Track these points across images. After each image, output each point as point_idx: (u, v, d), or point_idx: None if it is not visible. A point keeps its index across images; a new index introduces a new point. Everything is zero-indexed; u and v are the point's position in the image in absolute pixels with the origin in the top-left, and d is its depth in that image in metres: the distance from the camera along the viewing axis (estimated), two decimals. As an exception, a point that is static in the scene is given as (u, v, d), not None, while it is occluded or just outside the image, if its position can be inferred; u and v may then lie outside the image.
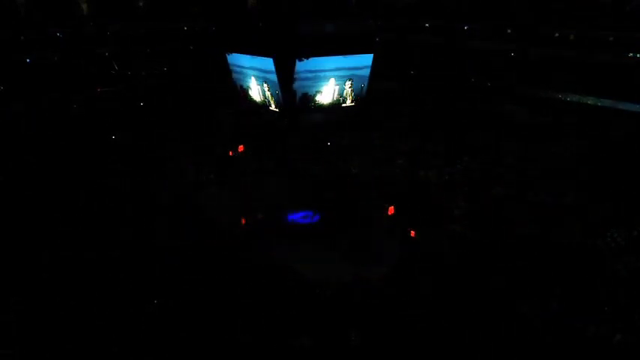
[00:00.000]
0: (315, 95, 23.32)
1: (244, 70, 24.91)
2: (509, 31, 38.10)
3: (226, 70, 26.60)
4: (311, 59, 21.91)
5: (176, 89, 44.40)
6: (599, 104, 31.86)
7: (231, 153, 37.53)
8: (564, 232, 24.68)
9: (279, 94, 22.82)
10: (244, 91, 25.96)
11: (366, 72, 24.20)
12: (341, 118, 26.67)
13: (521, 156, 31.78)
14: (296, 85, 22.14)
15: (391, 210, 28.49)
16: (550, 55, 35.59)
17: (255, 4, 51.25)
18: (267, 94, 23.93)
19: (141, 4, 49.13)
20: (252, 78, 24.43)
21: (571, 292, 19.38)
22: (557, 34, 35.26)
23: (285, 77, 22.15)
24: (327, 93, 23.59)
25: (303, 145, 40.14)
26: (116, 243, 23.29)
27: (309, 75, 22.10)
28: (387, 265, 23.89)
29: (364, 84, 24.63)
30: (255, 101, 25.47)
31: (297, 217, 30.40)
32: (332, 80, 23.31)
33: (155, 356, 15.47)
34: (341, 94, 23.84)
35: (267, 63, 22.45)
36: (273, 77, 22.55)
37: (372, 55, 24.17)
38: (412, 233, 26.01)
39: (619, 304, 18.48)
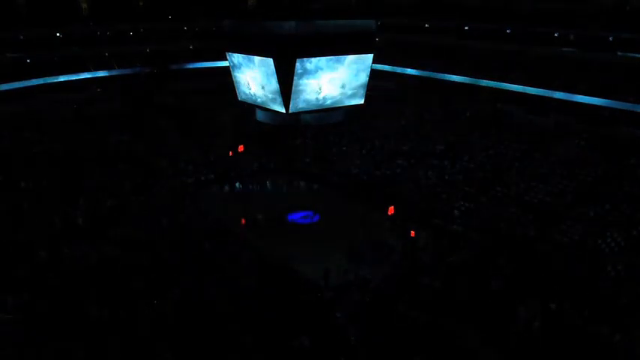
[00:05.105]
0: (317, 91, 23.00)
1: (244, 69, 24.87)
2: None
3: (227, 70, 26.59)
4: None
5: (176, 89, 44.36)
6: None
7: (231, 153, 37.56)
8: (564, 232, 24.71)
9: (280, 93, 22.74)
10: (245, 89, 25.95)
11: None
12: (341, 117, 26.57)
13: (521, 155, 31.75)
14: (298, 79, 21.97)
15: (391, 210, 28.49)
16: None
17: (255, 3, 51.37)
18: (268, 93, 23.87)
19: (141, 3, 49.13)
20: (253, 77, 24.39)
21: (571, 292, 19.38)
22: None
23: (285, 76, 22.08)
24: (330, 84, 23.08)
25: (303, 145, 40.24)
26: (116, 242, 23.30)
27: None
28: (387, 265, 23.94)
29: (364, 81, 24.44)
30: (255, 100, 25.41)
31: (297, 217, 30.50)
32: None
33: (155, 355, 15.49)
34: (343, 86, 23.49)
35: (268, 62, 22.40)
36: (274, 76, 22.49)
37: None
38: (412, 233, 26.01)
39: (619, 304, 18.48)
